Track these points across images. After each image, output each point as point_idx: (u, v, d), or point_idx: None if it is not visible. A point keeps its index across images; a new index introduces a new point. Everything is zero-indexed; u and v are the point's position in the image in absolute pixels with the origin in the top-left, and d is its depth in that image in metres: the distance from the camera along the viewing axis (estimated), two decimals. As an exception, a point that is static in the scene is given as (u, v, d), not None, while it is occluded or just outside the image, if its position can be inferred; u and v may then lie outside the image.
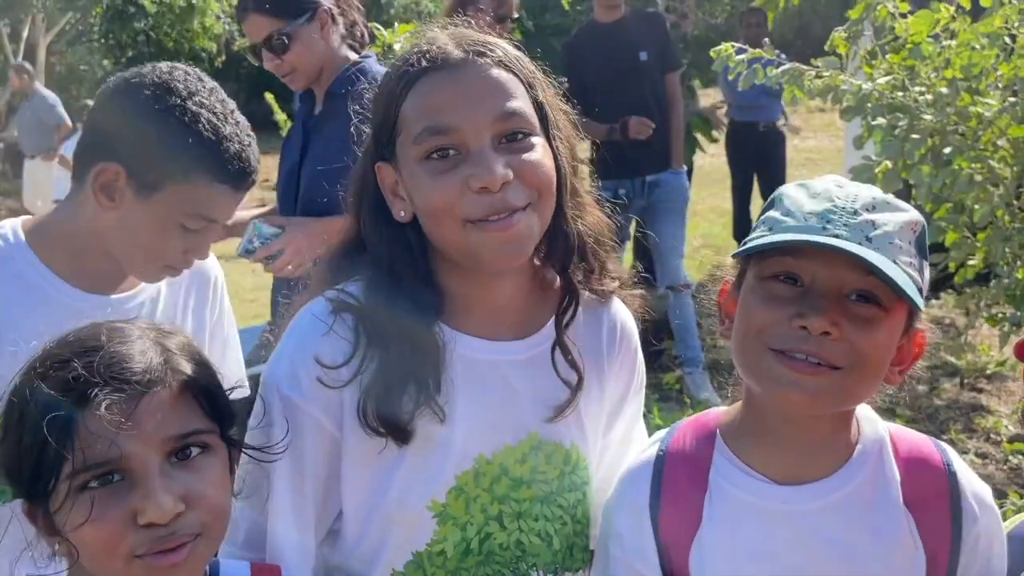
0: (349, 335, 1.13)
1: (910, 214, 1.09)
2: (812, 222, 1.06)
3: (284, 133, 14.12)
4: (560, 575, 1.23)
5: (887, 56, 2.52)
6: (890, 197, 1.10)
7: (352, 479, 1.16)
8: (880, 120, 2.41)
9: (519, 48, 1.18)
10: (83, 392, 0.90)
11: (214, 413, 0.99)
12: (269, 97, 10.05)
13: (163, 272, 1.51)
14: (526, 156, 1.10)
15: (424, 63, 1.11)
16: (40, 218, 1.54)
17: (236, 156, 1.44)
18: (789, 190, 1.12)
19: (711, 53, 2.73)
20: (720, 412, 1.21)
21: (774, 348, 1.05)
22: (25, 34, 12.46)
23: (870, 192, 1.09)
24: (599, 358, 1.26)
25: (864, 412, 1.17)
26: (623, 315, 1.29)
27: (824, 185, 1.10)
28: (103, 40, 17.70)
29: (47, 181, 9.27)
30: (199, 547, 0.95)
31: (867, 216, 1.06)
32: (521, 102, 1.12)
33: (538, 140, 1.12)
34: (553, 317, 1.21)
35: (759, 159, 6.55)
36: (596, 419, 1.26)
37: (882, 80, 2.45)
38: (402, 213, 1.14)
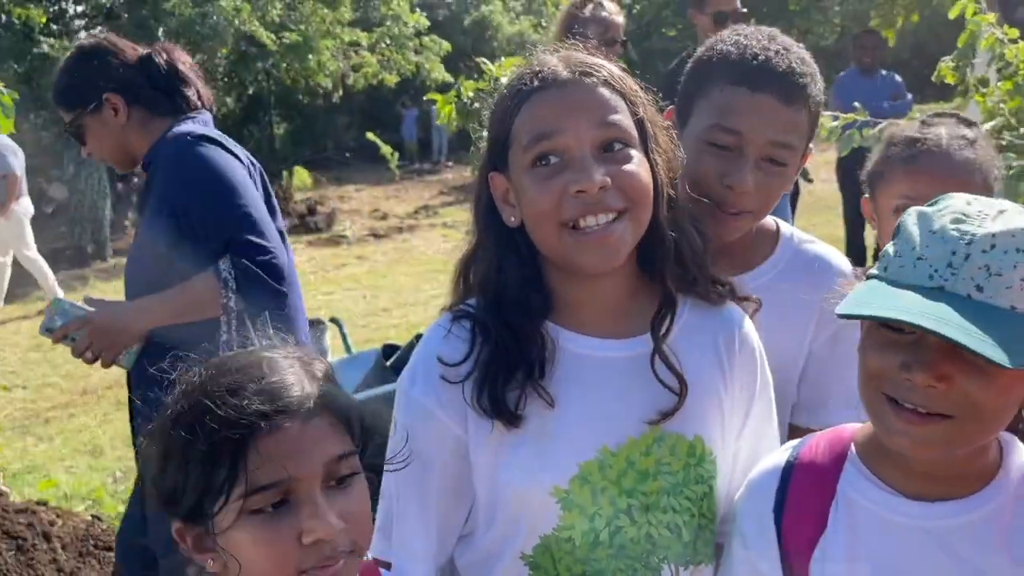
0: (467, 336, 1.25)
1: None
2: (921, 269, 1.02)
3: (393, 166, 14.50)
4: (690, 568, 1.27)
5: (998, 84, 2.43)
6: (1019, 224, 1.01)
7: (478, 470, 1.25)
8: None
9: (624, 69, 1.28)
10: (255, 419, 0.95)
11: (355, 435, 1.05)
12: (371, 136, 10.37)
13: None
14: (624, 167, 1.19)
15: (536, 82, 1.22)
16: None
17: None
18: (910, 218, 1.07)
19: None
20: (857, 427, 1.21)
21: (886, 394, 1.05)
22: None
23: (992, 225, 1.00)
24: (718, 358, 1.30)
25: (1009, 439, 1.14)
26: (738, 318, 1.34)
27: (944, 220, 1.03)
28: (227, 79, 18.74)
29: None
30: (352, 563, 1.01)
31: (981, 260, 0.99)
32: (621, 116, 1.22)
33: (636, 153, 1.22)
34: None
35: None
36: (721, 416, 1.30)
37: (987, 125, 2.36)
38: (512, 219, 1.25)
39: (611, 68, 1.26)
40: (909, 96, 6.80)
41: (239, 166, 2.31)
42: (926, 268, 1.02)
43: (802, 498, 1.17)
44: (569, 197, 1.17)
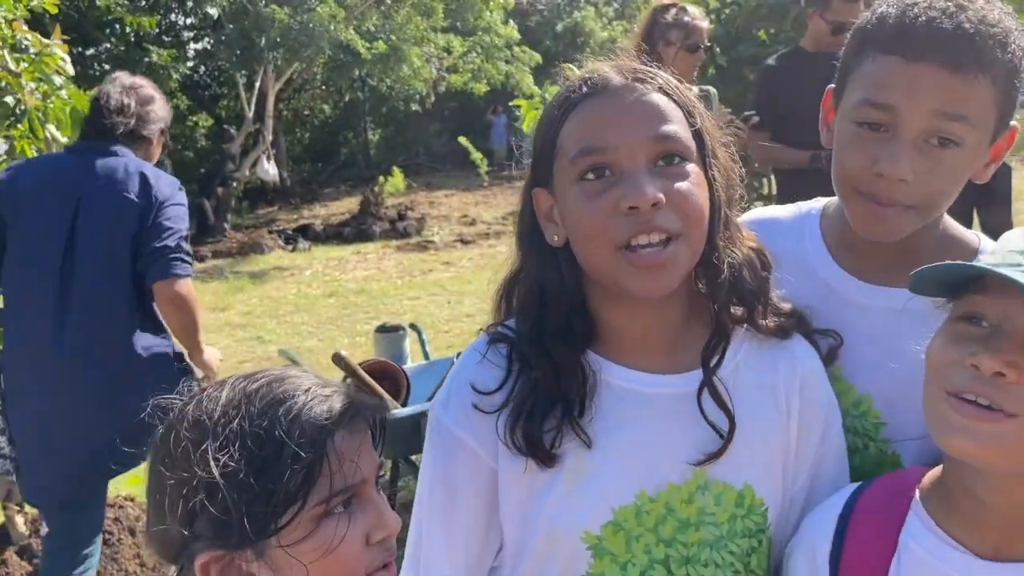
0: (502, 363, 1.17)
1: None
2: (1009, 259, 0.96)
3: (482, 171, 14.64)
4: None
5: None
6: None
7: (507, 506, 1.18)
8: None
9: (681, 81, 1.17)
10: (331, 427, 0.97)
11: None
12: (463, 140, 10.52)
13: None
14: (679, 184, 1.08)
15: (584, 89, 1.12)
16: None
17: None
18: (1011, 233, 1.02)
19: None
20: (923, 470, 1.11)
21: (948, 391, 0.96)
22: (257, 84, 13.79)
23: None
24: (776, 398, 1.18)
25: None
26: (803, 355, 1.21)
27: None
28: (324, 87, 19.27)
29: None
30: (395, 567, 1.04)
31: None
32: (678, 127, 1.10)
33: (693, 168, 1.10)
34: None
35: (980, 192, 5.99)
36: (779, 464, 1.18)
37: None
38: (555, 238, 1.15)
39: (666, 76, 1.15)
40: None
41: None
42: (1014, 257, 0.96)
43: (861, 550, 1.07)
44: (620, 215, 1.06)
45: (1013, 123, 1.21)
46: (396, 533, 1.00)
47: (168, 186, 2.70)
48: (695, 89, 4.22)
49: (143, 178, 2.65)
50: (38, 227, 2.61)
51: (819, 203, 1.38)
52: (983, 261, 1.00)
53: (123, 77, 2.83)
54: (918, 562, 1.03)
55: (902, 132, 1.14)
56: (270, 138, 14.05)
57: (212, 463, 0.94)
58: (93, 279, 2.60)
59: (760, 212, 1.38)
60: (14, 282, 2.64)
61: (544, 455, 1.12)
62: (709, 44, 3.86)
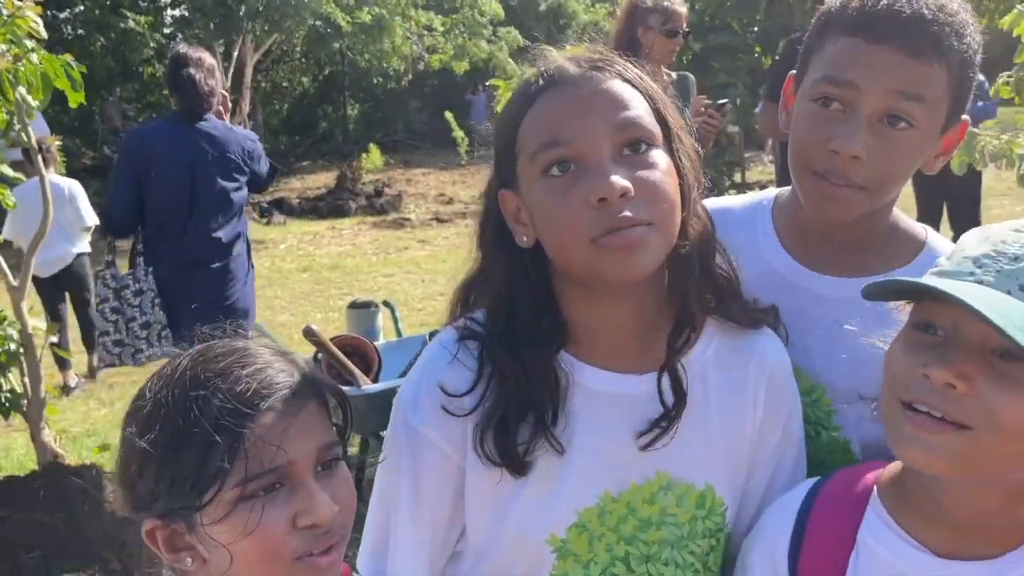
0: (473, 363, 1.13)
1: None
2: (964, 267, 0.96)
3: (462, 150, 14.62)
4: None
5: None
6: None
7: (474, 508, 1.16)
8: None
9: (646, 66, 1.15)
10: (253, 402, 0.94)
11: (337, 425, 1.04)
12: (448, 116, 10.48)
13: None
14: (648, 173, 1.05)
15: (541, 83, 1.09)
16: None
17: None
18: (968, 234, 1.03)
19: None
20: (882, 467, 1.11)
21: (903, 400, 0.96)
22: (235, 54, 13.59)
23: None
24: (745, 392, 1.18)
25: None
26: (773, 350, 1.20)
27: (1004, 229, 0.99)
28: (303, 59, 19.02)
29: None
30: (342, 549, 0.99)
31: None
32: (641, 112, 1.07)
33: (660, 154, 1.07)
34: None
35: (950, 188, 6.06)
36: (739, 461, 1.18)
37: None
38: (524, 238, 1.11)
39: (626, 63, 1.12)
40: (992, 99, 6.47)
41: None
42: (969, 265, 0.96)
43: (819, 545, 1.08)
44: (590, 209, 1.03)
45: (964, 117, 1.23)
46: (326, 521, 0.95)
47: (251, 140, 4.16)
48: (673, 75, 4.25)
49: (237, 137, 4.07)
50: (170, 182, 3.87)
51: (771, 193, 1.39)
52: (938, 266, 1.01)
53: (201, 56, 3.92)
54: (876, 559, 1.04)
55: (859, 110, 1.16)
56: (247, 109, 13.86)
57: (142, 433, 0.95)
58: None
59: (713, 202, 1.37)
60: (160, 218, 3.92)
61: (517, 466, 1.11)
62: (687, 30, 3.87)
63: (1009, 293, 0.92)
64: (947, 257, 1.02)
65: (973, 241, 1.00)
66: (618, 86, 1.08)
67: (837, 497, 1.10)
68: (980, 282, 0.94)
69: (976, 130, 2.18)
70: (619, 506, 1.13)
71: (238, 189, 4.02)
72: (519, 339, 1.11)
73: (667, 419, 1.12)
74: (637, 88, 1.10)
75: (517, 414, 1.10)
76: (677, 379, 1.13)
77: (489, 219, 1.16)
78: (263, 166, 4.17)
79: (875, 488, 1.09)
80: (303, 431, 0.96)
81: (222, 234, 3.96)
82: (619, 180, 1.02)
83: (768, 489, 1.21)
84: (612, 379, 1.14)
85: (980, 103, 6.22)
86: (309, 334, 3.33)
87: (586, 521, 1.13)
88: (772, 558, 1.10)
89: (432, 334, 4.35)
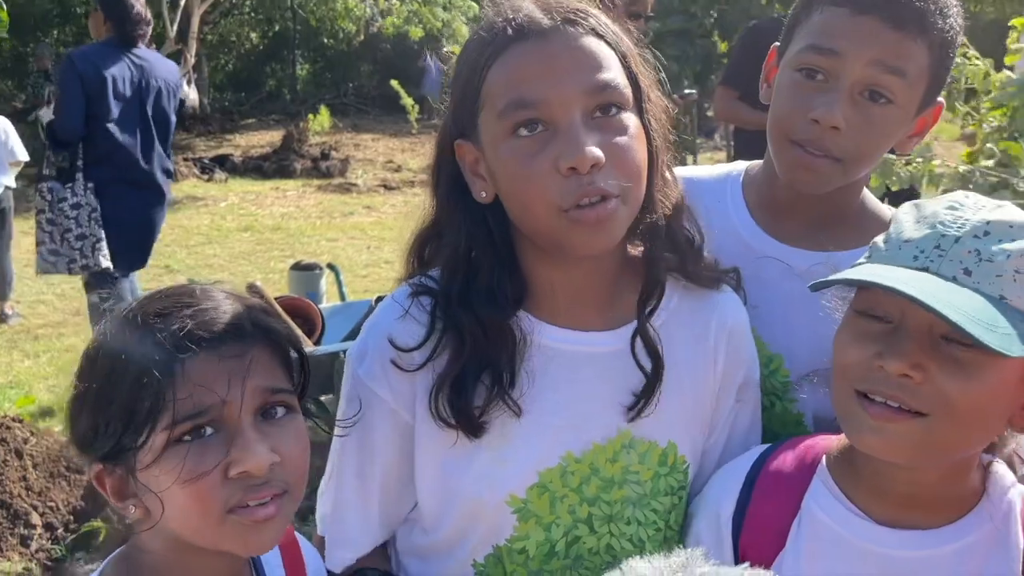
0: (425, 319, 1.10)
1: None
2: (906, 251, 0.96)
3: (412, 118, 14.48)
4: None
5: (989, 112, 2.30)
6: (1020, 220, 0.96)
7: (425, 467, 1.14)
8: None
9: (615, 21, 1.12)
10: (185, 343, 0.90)
11: (295, 377, 1.00)
12: (395, 83, 10.32)
13: None
14: (619, 140, 1.02)
15: (510, 31, 1.03)
16: None
17: None
18: (901, 212, 1.03)
19: None
20: (832, 439, 1.13)
21: (858, 390, 0.97)
22: (182, 3, 13.12)
23: (989, 214, 0.96)
24: (706, 350, 1.17)
25: (998, 467, 1.06)
26: (732, 309, 1.20)
27: (937, 207, 0.99)
28: (253, 13, 18.49)
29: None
30: (286, 505, 0.95)
31: (972, 244, 0.94)
32: (615, 74, 1.04)
33: (630, 118, 1.04)
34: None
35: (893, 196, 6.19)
36: (703, 420, 1.18)
37: (988, 162, 2.22)
38: (483, 194, 1.08)
39: (599, 15, 1.08)
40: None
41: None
42: (911, 250, 0.97)
43: (764, 509, 1.09)
44: (559, 176, 0.99)
45: (940, 100, 1.26)
46: (259, 470, 0.90)
47: (176, 72, 4.54)
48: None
49: (169, 67, 4.50)
50: (121, 104, 4.17)
51: (741, 165, 1.40)
52: (875, 248, 1.01)
53: None
54: (818, 525, 1.06)
55: (840, 81, 1.18)
56: (192, 61, 13.41)
57: (83, 372, 0.93)
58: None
59: (683, 171, 1.37)
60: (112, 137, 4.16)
61: (472, 427, 1.08)
62: (651, 15, 3.86)
63: (955, 279, 0.93)
64: (883, 240, 1.02)
65: (910, 222, 1.00)
66: (592, 43, 1.04)
67: (785, 464, 1.12)
68: (925, 268, 0.95)
69: (891, 155, 2.24)
70: (582, 466, 1.12)
71: (173, 115, 4.39)
72: (478, 298, 1.08)
73: (649, 388, 1.11)
74: (611, 45, 1.06)
75: (473, 374, 1.07)
76: (652, 344, 1.12)
77: (443, 168, 1.12)
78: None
79: (824, 458, 1.10)
80: (241, 374, 0.91)
81: (164, 157, 4.33)
82: (592, 150, 0.99)
83: (724, 450, 1.22)
84: (574, 337, 1.12)
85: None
86: (252, 291, 3.25)
87: (547, 481, 1.11)
88: (717, 521, 1.12)
89: (379, 299, 4.33)
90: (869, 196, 1.35)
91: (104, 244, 4.11)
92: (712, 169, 1.43)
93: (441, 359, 1.09)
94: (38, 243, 4.17)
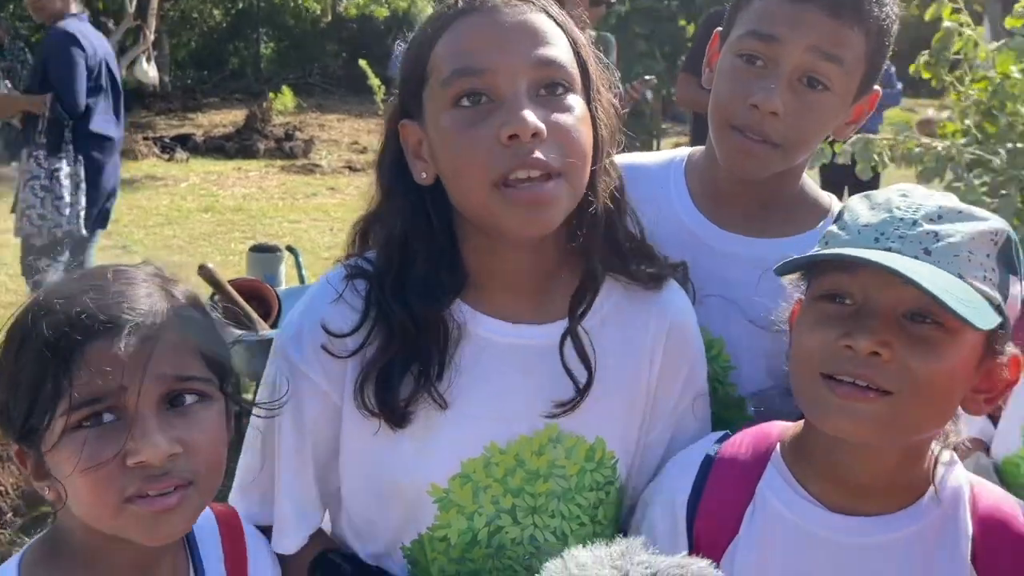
0: (359, 304, 1.09)
1: (989, 223, 0.98)
2: (865, 235, 0.98)
3: (379, 99, 14.41)
4: None
5: (973, 84, 2.33)
6: (964, 206, 1.00)
7: (350, 453, 1.13)
8: (959, 184, 2.21)
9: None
10: (86, 328, 0.88)
11: (214, 364, 0.97)
12: (362, 63, 10.23)
13: None
14: (563, 117, 1.01)
15: (460, 4, 1.04)
16: None
17: None
18: (853, 201, 1.05)
19: None
20: (786, 426, 1.14)
21: (823, 373, 0.98)
22: (143, -22, 12.83)
23: (939, 200, 1.00)
24: (642, 349, 1.17)
25: (946, 457, 1.08)
26: (675, 306, 1.20)
27: (887, 195, 1.02)
28: (216, -10, 18.14)
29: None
30: (191, 496, 0.93)
31: (929, 227, 0.97)
32: (562, 51, 1.03)
33: (577, 100, 1.04)
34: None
35: (852, 174, 6.23)
36: (633, 415, 1.18)
37: (962, 140, 2.26)
38: (423, 175, 1.07)
39: (550, 1, 1.07)
40: (899, 86, 6.64)
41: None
42: (872, 233, 0.98)
43: (718, 496, 1.10)
44: (498, 146, 0.98)
45: (876, 88, 1.28)
46: (156, 461, 0.88)
47: None
48: (593, 34, 4.22)
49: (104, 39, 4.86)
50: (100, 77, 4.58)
51: (684, 152, 1.41)
52: (830, 235, 1.02)
53: None
54: (771, 512, 1.06)
55: (780, 67, 1.20)
56: (152, 38, 13.13)
57: (2, 351, 0.92)
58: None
59: (626, 158, 1.39)
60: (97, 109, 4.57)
61: (396, 419, 1.07)
62: (613, 1, 3.86)
63: (917, 258, 0.95)
64: (839, 227, 1.03)
65: (863, 209, 1.02)
66: (542, 20, 1.03)
67: (740, 451, 1.12)
68: (888, 249, 0.96)
69: (873, 136, 2.26)
70: (507, 458, 1.11)
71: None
72: (412, 286, 1.06)
73: (576, 390, 1.10)
74: (561, 27, 1.05)
75: (401, 366, 1.06)
76: (581, 347, 1.11)
77: (388, 150, 1.11)
78: None
79: (778, 445, 1.11)
80: (142, 360, 0.89)
81: (123, 126, 4.83)
82: (533, 118, 0.97)
83: (672, 440, 1.22)
84: (508, 329, 1.11)
85: (887, 89, 6.41)
86: (204, 273, 3.19)
87: (470, 471, 1.11)
88: (672, 508, 1.12)
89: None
90: (808, 182, 1.37)
91: (84, 212, 4.45)
92: (655, 155, 1.44)
93: (373, 346, 1.08)
94: (27, 207, 4.40)
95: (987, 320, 0.93)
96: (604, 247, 1.12)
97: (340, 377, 1.10)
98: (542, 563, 1.14)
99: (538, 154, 0.98)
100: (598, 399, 1.13)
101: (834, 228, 1.04)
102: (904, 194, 1.01)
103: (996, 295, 0.96)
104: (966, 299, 0.92)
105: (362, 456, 1.12)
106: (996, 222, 0.99)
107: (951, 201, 1.00)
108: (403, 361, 1.07)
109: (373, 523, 1.16)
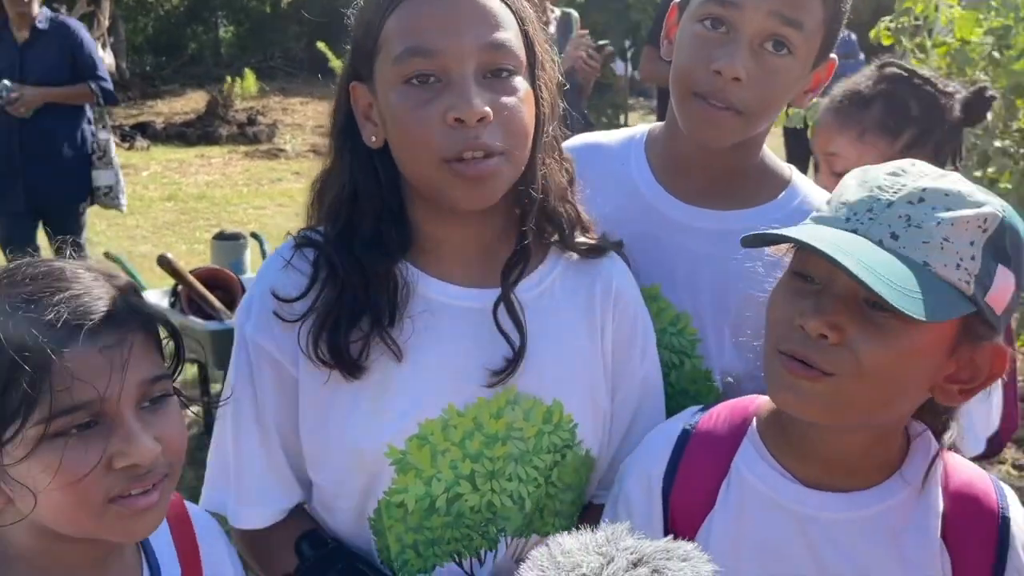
0: (307, 268, 1.12)
1: (980, 209, 0.94)
2: (840, 213, 0.98)
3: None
4: (527, 539, 1.18)
5: (934, 49, 2.34)
6: (960, 188, 0.96)
7: (307, 419, 1.14)
8: None
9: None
10: (62, 335, 0.85)
11: (166, 355, 0.98)
12: (321, 46, 10.11)
13: None
14: (507, 99, 1.05)
15: None
16: None
17: None
18: (850, 176, 1.04)
19: None
20: (763, 401, 1.14)
21: (780, 349, 0.99)
22: (95, -39, 12.53)
23: (929, 183, 0.96)
24: (591, 316, 1.20)
25: (925, 435, 1.08)
26: (617, 273, 1.23)
27: (879, 172, 1.00)
28: (172, -27, 17.77)
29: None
30: (167, 489, 0.94)
31: (904, 210, 0.95)
32: (511, 35, 1.07)
33: (521, 83, 1.08)
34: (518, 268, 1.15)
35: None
36: (589, 378, 1.20)
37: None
38: (373, 138, 1.10)
39: None
40: (861, 56, 6.70)
41: None
42: (846, 212, 0.98)
43: (694, 469, 1.10)
44: (445, 127, 1.02)
45: (832, 56, 1.28)
46: (148, 462, 0.89)
47: None
48: (556, 11, 4.19)
49: None
50: None
51: (644, 128, 1.41)
52: (819, 211, 1.02)
53: None
54: (746, 485, 1.07)
55: (741, 32, 1.19)
56: (106, 23, 12.86)
57: None
58: None
59: (586, 137, 1.40)
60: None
61: (350, 366, 1.08)
62: None
63: (881, 242, 0.94)
64: (828, 201, 1.03)
65: (852, 185, 1.01)
66: (493, 2, 1.06)
67: (716, 425, 1.13)
68: (855, 230, 0.96)
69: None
70: (465, 420, 1.12)
71: None
72: (360, 242, 1.09)
73: (511, 353, 1.12)
74: (510, 8, 1.08)
75: (352, 314, 1.08)
76: (514, 312, 1.13)
77: (340, 111, 1.13)
78: None
79: (754, 419, 1.12)
80: (120, 366, 0.87)
81: None
82: (479, 104, 1.01)
83: (638, 411, 1.23)
84: (455, 292, 1.13)
85: (851, 60, 6.46)
86: (164, 263, 3.14)
87: (428, 433, 1.11)
88: (648, 481, 1.12)
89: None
90: (768, 153, 1.37)
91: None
92: (616, 134, 1.45)
93: (322, 305, 1.09)
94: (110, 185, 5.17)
95: (939, 311, 0.91)
96: (541, 218, 1.15)
97: (292, 345, 1.11)
98: (497, 529, 1.14)
99: (482, 137, 1.03)
100: (549, 363, 1.15)
101: (824, 203, 1.04)
102: (896, 172, 0.98)
103: (968, 285, 0.93)
104: (907, 288, 0.90)
105: (319, 421, 1.13)
106: (989, 208, 0.95)
107: (946, 183, 0.96)
108: (352, 311, 1.09)
109: (334, 491, 1.16)
